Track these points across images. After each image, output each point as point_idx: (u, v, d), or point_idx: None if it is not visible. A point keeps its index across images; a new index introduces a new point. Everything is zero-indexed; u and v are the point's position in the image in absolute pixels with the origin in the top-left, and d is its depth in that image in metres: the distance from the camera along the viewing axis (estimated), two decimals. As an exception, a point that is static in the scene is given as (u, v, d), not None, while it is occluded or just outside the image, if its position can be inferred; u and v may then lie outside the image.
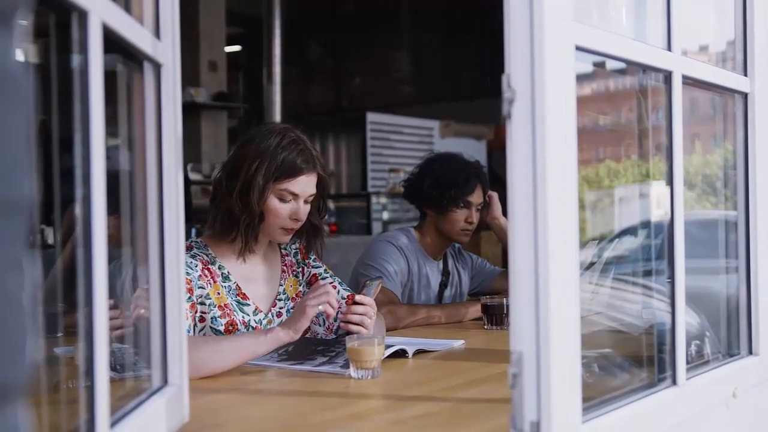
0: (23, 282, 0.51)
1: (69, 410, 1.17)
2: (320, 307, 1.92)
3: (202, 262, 2.11)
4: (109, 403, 1.00)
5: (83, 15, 0.96)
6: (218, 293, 2.10)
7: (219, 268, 2.14)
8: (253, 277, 2.20)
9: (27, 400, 0.55)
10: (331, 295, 1.95)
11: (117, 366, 1.31)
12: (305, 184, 2.13)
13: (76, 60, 0.99)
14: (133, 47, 1.18)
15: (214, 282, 2.11)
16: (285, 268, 2.29)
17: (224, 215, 2.13)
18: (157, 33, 1.31)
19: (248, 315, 2.14)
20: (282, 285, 2.26)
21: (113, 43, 1.08)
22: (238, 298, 2.14)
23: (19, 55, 0.52)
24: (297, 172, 2.10)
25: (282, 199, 2.11)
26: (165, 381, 1.33)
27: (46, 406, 1.11)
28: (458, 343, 2.28)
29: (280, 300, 2.24)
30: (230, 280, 2.14)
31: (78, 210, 1.00)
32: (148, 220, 1.31)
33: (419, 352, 2.11)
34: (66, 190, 1.02)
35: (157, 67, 1.31)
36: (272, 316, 2.20)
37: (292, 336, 1.92)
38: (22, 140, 0.50)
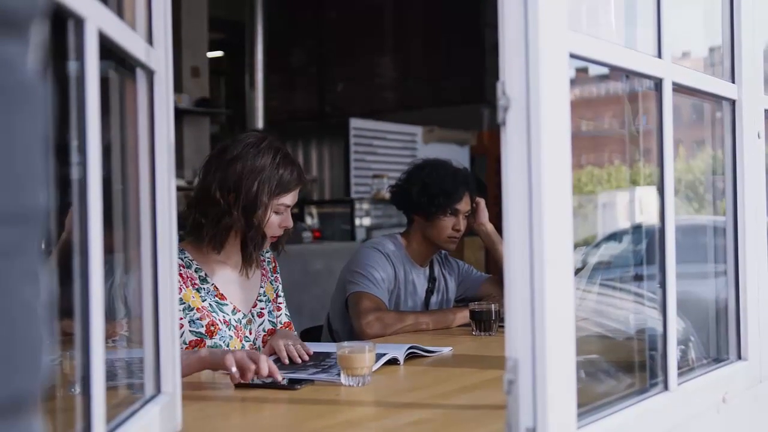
0: (39, 292, 0.51)
1: (61, 419, 1.17)
2: (233, 369, 1.74)
3: None
4: (105, 412, 0.99)
5: (80, 22, 0.96)
6: (193, 296, 2.15)
7: (196, 271, 2.20)
8: (233, 279, 2.26)
9: (41, 410, 0.55)
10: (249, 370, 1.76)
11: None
12: (296, 195, 2.25)
13: (71, 66, 0.98)
14: (127, 54, 1.17)
15: (192, 284, 2.16)
16: (264, 271, 2.37)
17: (223, 232, 2.16)
18: (149, 40, 1.30)
19: (228, 314, 2.20)
20: (263, 287, 2.34)
21: (107, 49, 1.07)
22: (216, 298, 2.20)
23: (34, 65, 0.52)
24: (293, 187, 2.22)
25: (277, 212, 2.21)
26: (158, 389, 1.32)
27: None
28: (446, 350, 2.28)
29: (261, 300, 2.32)
30: (208, 282, 2.20)
31: (70, 217, 0.99)
32: (141, 227, 1.30)
33: (411, 357, 2.11)
34: (59, 196, 1.01)
35: (150, 74, 1.30)
36: (252, 316, 2.27)
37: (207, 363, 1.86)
38: (37, 150, 0.49)
